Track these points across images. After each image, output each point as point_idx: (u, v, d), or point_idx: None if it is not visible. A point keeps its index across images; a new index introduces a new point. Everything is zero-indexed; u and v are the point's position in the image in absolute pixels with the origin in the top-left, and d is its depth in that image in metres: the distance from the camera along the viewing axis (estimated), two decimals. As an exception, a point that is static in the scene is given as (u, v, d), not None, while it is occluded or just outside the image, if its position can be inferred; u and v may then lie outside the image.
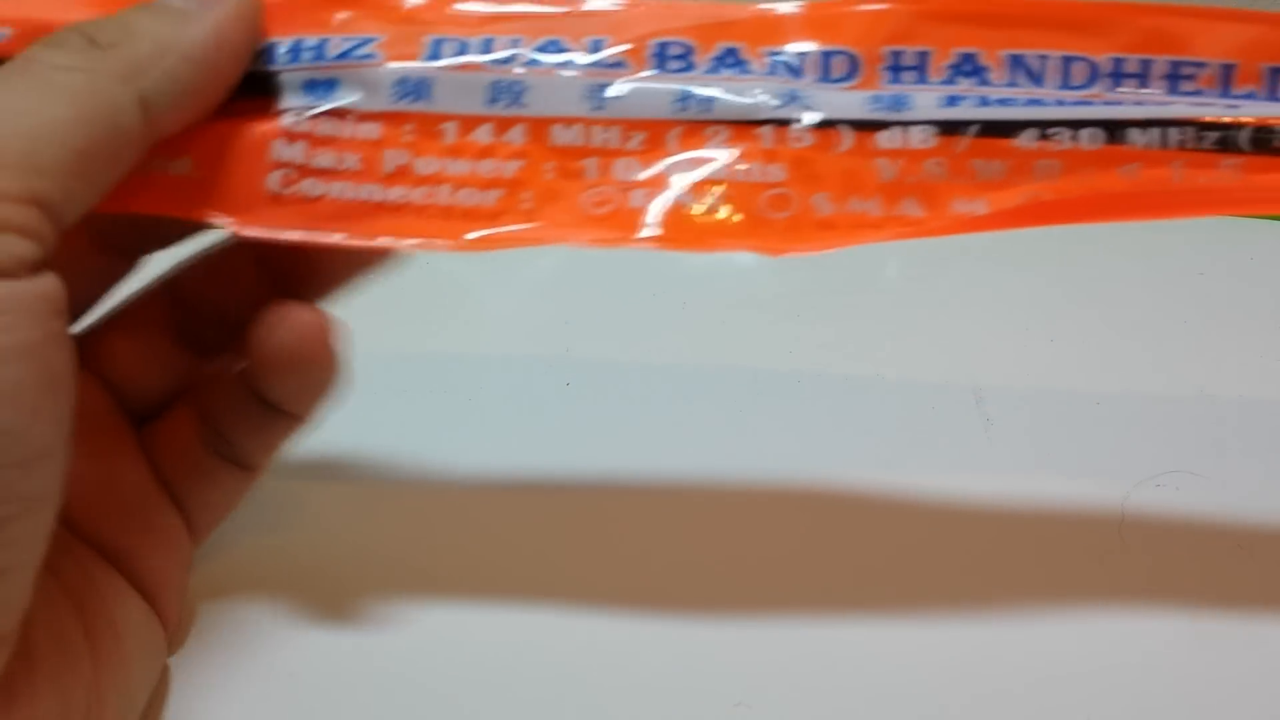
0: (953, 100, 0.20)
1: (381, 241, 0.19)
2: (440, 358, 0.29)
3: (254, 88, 0.19)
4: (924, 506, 0.24)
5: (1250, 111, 0.20)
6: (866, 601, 0.22)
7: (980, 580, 0.23)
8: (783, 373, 0.28)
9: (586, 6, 0.20)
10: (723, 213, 0.19)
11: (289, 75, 0.19)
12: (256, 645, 0.21)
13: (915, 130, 0.20)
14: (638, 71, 0.20)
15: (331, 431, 0.26)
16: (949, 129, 0.20)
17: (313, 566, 0.23)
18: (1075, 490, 0.25)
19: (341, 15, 0.20)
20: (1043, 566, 0.23)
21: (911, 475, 0.25)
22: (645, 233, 0.19)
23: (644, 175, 0.20)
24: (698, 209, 0.19)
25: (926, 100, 0.20)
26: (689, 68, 0.20)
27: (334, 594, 0.22)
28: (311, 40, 0.19)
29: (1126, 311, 0.31)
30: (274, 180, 0.19)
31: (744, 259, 0.33)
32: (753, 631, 0.22)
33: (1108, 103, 0.20)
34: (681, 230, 0.19)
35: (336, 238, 0.19)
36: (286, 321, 0.19)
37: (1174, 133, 0.20)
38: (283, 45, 0.19)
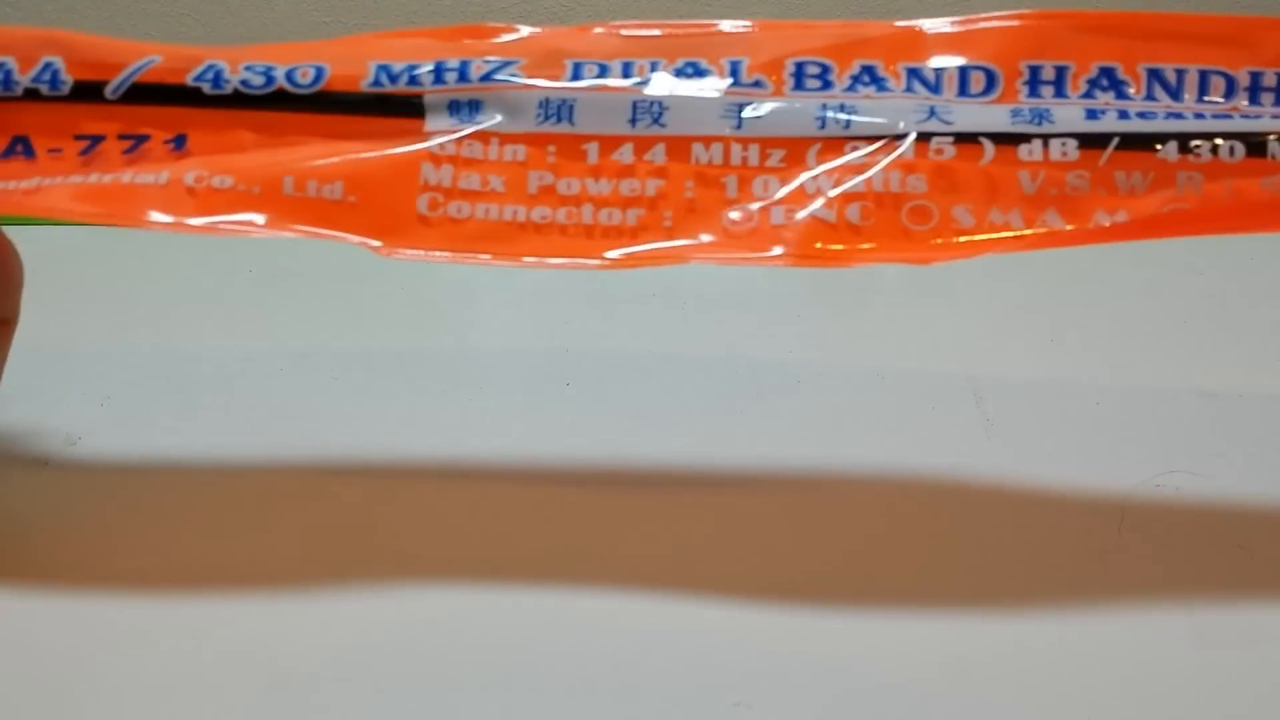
0: (1093, 114, 0.20)
1: (528, 262, 0.20)
2: (440, 358, 0.29)
3: (400, 108, 0.20)
4: (924, 506, 0.24)
5: None
6: (867, 601, 0.22)
7: (980, 580, 0.23)
8: (783, 373, 0.28)
9: (722, 29, 0.20)
10: (864, 227, 0.20)
11: (433, 97, 0.20)
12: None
13: (1056, 143, 0.20)
14: (776, 90, 0.20)
15: (331, 431, 0.26)
16: (1090, 142, 0.20)
17: (313, 568, 0.23)
18: (1075, 490, 0.25)
19: (482, 45, 0.20)
20: (1043, 566, 0.23)
21: (911, 475, 0.25)
22: (785, 249, 0.20)
23: (784, 192, 0.20)
24: (838, 224, 0.20)
25: (1067, 114, 0.20)
26: (827, 86, 0.20)
27: (340, 593, 0.22)
28: (453, 62, 0.20)
29: (1126, 311, 0.31)
30: (422, 203, 0.20)
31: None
32: (753, 631, 0.22)
33: (1245, 116, 0.20)
34: (822, 246, 0.20)
35: (483, 258, 0.20)
36: None
37: None
38: (426, 67, 0.20)
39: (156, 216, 0.19)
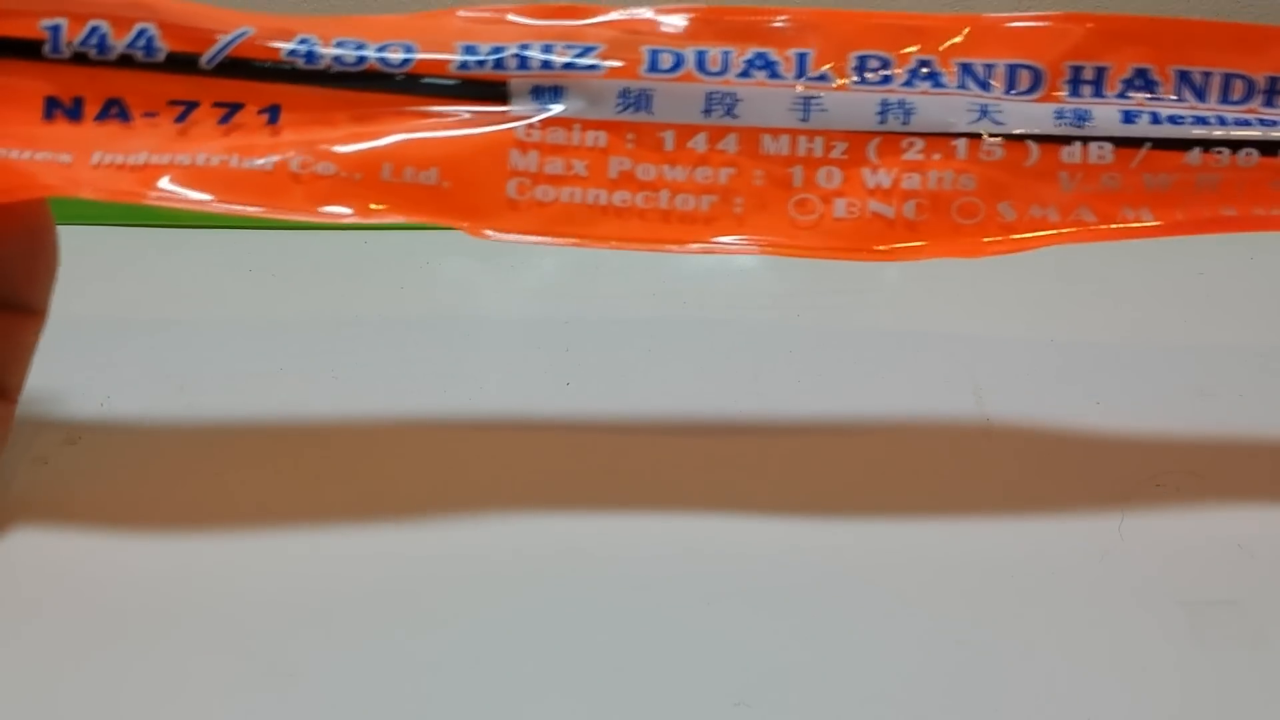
0: (1129, 117, 0.21)
1: (609, 244, 0.21)
2: (441, 357, 0.29)
3: (486, 92, 0.21)
4: (924, 506, 0.24)
5: None
6: (867, 601, 0.22)
7: (980, 580, 0.23)
8: (783, 372, 0.28)
9: (790, 19, 0.21)
10: (919, 223, 0.21)
11: (518, 83, 0.21)
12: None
13: (1094, 146, 0.21)
14: (840, 84, 0.21)
15: (331, 431, 0.26)
16: (1125, 144, 0.21)
17: (312, 568, 0.23)
18: (1075, 490, 0.25)
19: (566, 25, 0.21)
20: (1043, 566, 0.23)
21: (912, 475, 0.25)
22: (846, 243, 0.21)
23: (845, 185, 0.21)
24: (896, 220, 0.21)
25: (1106, 115, 0.21)
26: (887, 80, 0.21)
27: (339, 592, 0.22)
28: (537, 47, 0.21)
29: (1126, 311, 0.31)
30: (511, 188, 0.21)
31: (744, 260, 0.33)
32: (752, 630, 0.22)
33: (1263, 120, 0.22)
34: (881, 243, 0.21)
35: (567, 240, 0.21)
36: None
37: None
38: (510, 50, 0.21)
39: (266, 206, 0.20)
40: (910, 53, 0.21)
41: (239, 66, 0.20)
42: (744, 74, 0.21)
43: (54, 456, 0.25)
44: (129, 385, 0.27)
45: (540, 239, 0.21)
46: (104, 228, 0.34)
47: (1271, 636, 0.22)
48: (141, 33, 0.20)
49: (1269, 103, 0.22)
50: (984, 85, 0.21)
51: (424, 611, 0.22)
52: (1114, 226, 0.21)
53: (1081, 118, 0.21)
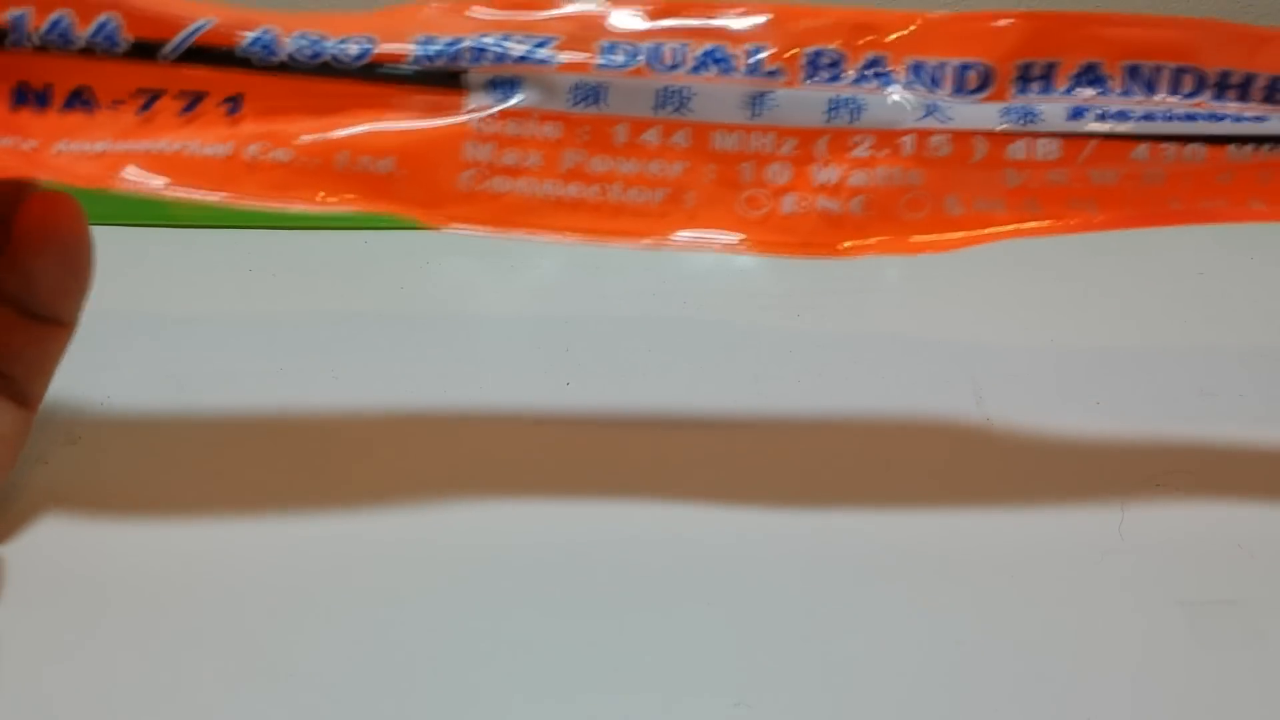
0: (1077, 113, 0.21)
1: (560, 237, 0.21)
2: (441, 357, 0.29)
3: (443, 82, 0.21)
4: (924, 506, 0.24)
5: None
6: (867, 602, 0.22)
7: (981, 580, 0.23)
8: (782, 371, 0.28)
9: (746, 20, 0.21)
10: (866, 219, 0.21)
11: (474, 74, 0.21)
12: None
13: (1041, 142, 0.21)
14: (791, 80, 0.21)
15: (331, 431, 0.26)
16: (1071, 140, 0.21)
17: (311, 567, 0.23)
18: (1075, 490, 0.25)
19: (525, 15, 0.21)
20: (1043, 566, 0.23)
21: (912, 475, 0.25)
22: (793, 238, 0.21)
23: (795, 181, 0.21)
24: (843, 216, 0.21)
25: (1053, 111, 0.21)
26: (837, 78, 0.21)
27: (336, 590, 0.22)
28: (493, 38, 0.21)
29: (1126, 311, 0.31)
30: (466, 178, 0.21)
31: (743, 260, 0.33)
32: (752, 631, 0.22)
33: (1211, 115, 0.22)
34: (829, 238, 0.21)
35: (519, 232, 0.21)
36: (39, 203, 0.21)
37: (1266, 146, 0.22)
38: (467, 42, 0.21)
39: (218, 193, 0.20)
40: (862, 49, 0.21)
41: (201, 55, 0.21)
42: (697, 69, 0.21)
43: (54, 456, 0.25)
44: (129, 385, 0.27)
45: (494, 230, 0.21)
46: (104, 227, 0.34)
47: (1271, 636, 0.22)
48: (105, 23, 0.20)
49: (1218, 96, 0.22)
50: (933, 85, 0.21)
51: (424, 611, 0.22)
52: (1062, 221, 0.21)
53: (1028, 115, 0.21)
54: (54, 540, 0.23)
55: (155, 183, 0.20)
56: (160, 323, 0.30)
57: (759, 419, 0.27)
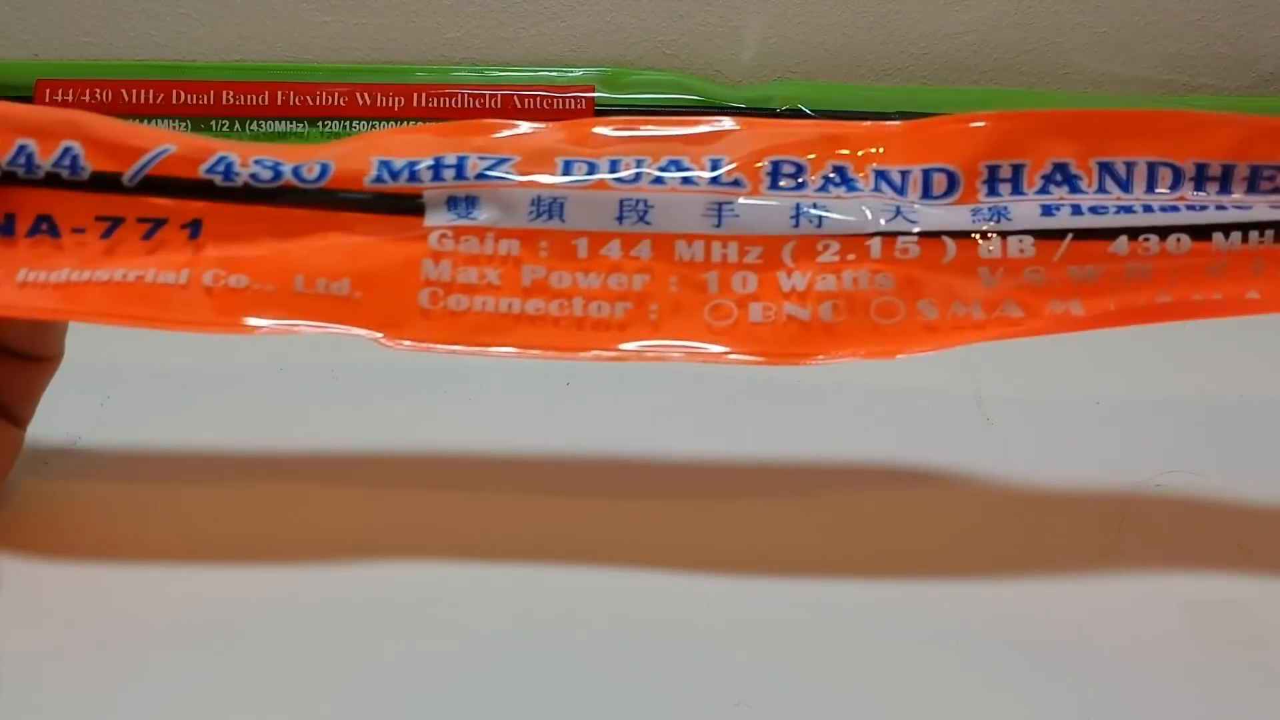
0: (1048, 210, 0.21)
1: (524, 354, 0.21)
2: (440, 358, 0.29)
3: (401, 205, 0.21)
4: (924, 506, 0.24)
5: None
6: (867, 602, 0.22)
7: (981, 580, 0.23)
8: (783, 373, 0.28)
9: (704, 129, 0.21)
10: (836, 324, 0.21)
11: (432, 194, 0.21)
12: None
13: (1014, 239, 0.21)
14: (754, 189, 0.21)
15: (331, 431, 0.26)
16: (1046, 237, 0.21)
17: (310, 566, 0.23)
18: (1075, 490, 0.25)
19: (479, 140, 0.21)
20: (1043, 566, 0.23)
21: (912, 476, 0.25)
22: (762, 348, 0.21)
23: (761, 289, 0.21)
24: (812, 323, 0.21)
25: (1024, 210, 0.21)
26: (801, 186, 0.21)
27: (335, 589, 0.22)
28: (451, 159, 0.21)
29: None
30: (424, 297, 0.21)
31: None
32: (752, 630, 0.22)
33: (1192, 206, 0.21)
34: (797, 345, 0.21)
35: (479, 350, 0.21)
36: None
37: (1254, 234, 0.21)
38: (425, 163, 0.21)
39: (176, 319, 0.21)
40: (825, 159, 0.21)
41: (160, 184, 0.21)
42: (657, 180, 0.21)
43: (54, 456, 0.25)
44: (129, 385, 0.27)
45: (454, 348, 0.21)
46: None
47: (1271, 636, 0.22)
48: (66, 151, 0.21)
49: (1199, 187, 0.21)
50: (899, 190, 0.21)
51: (423, 610, 0.22)
52: (1042, 320, 0.21)
53: (999, 214, 0.21)
54: (54, 541, 0.23)
55: (97, 312, 0.20)
56: (160, 323, 0.30)
57: (759, 419, 0.27)
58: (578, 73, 0.38)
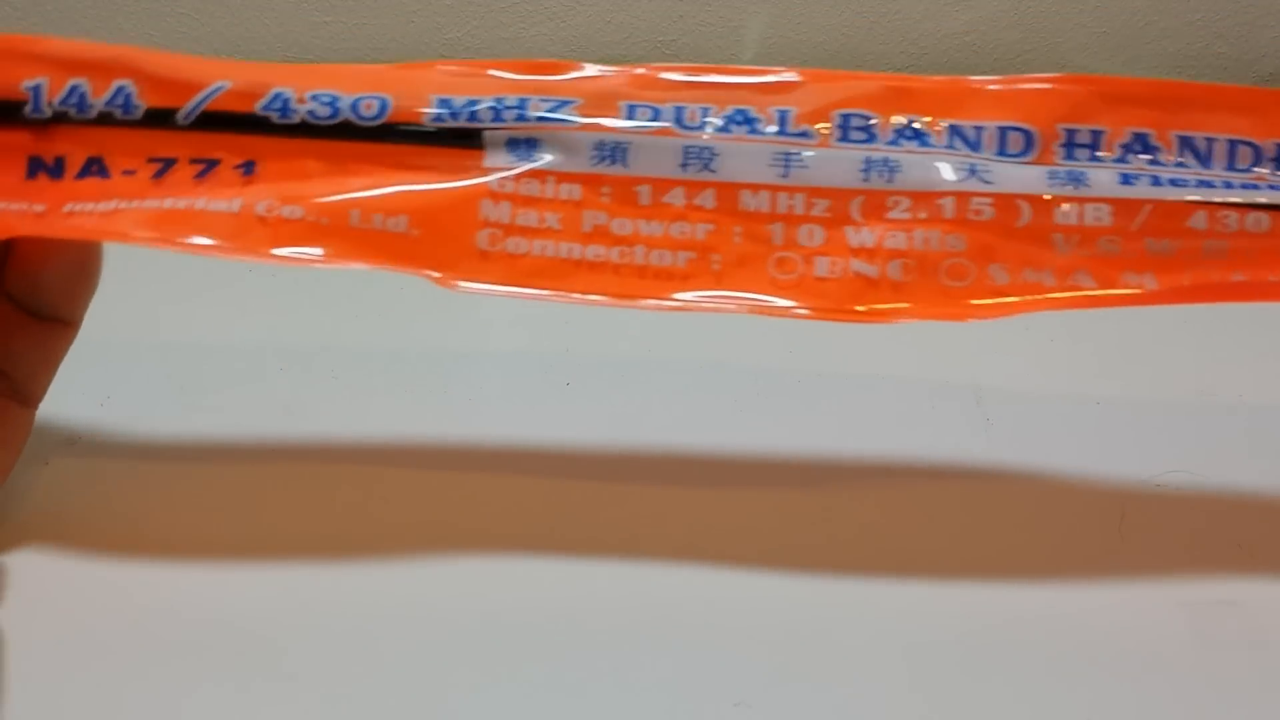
0: (1127, 179, 0.20)
1: (581, 299, 0.20)
2: (441, 357, 0.29)
3: (460, 142, 0.20)
4: (924, 506, 0.24)
5: None
6: (867, 602, 0.22)
7: (981, 580, 0.23)
8: (783, 372, 0.28)
9: (771, 79, 0.21)
10: (904, 283, 0.20)
11: (492, 133, 0.20)
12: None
13: (1090, 207, 0.20)
14: (823, 141, 0.20)
15: (331, 431, 0.26)
16: (1123, 207, 0.20)
17: (309, 564, 0.23)
18: (1075, 490, 0.25)
19: (542, 81, 0.21)
20: (1043, 566, 0.23)
21: (912, 475, 0.25)
22: (826, 303, 0.20)
23: (828, 243, 0.20)
24: (880, 280, 0.20)
25: (1102, 177, 0.20)
26: (871, 139, 0.20)
27: (333, 589, 0.22)
28: (513, 99, 0.20)
29: (1127, 311, 0.31)
30: (482, 238, 0.20)
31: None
32: (752, 630, 0.22)
33: (1273, 186, 0.20)
34: (864, 304, 0.20)
35: (539, 293, 0.20)
36: None
37: None
38: (486, 103, 0.20)
39: (226, 244, 0.20)
40: (897, 111, 0.21)
41: (214, 120, 0.21)
42: (723, 129, 0.20)
43: (54, 456, 0.25)
44: (129, 385, 0.27)
45: (512, 290, 0.20)
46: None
47: (1271, 636, 0.22)
48: (120, 90, 0.20)
49: (1278, 169, 0.21)
50: (973, 146, 0.21)
51: (423, 608, 0.22)
52: (1114, 292, 0.20)
53: (1076, 179, 0.20)
54: (54, 541, 0.23)
55: (149, 235, 0.20)
56: (160, 322, 0.30)
57: (758, 418, 0.27)
58: (578, 73, 0.38)
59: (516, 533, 0.24)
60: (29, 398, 0.23)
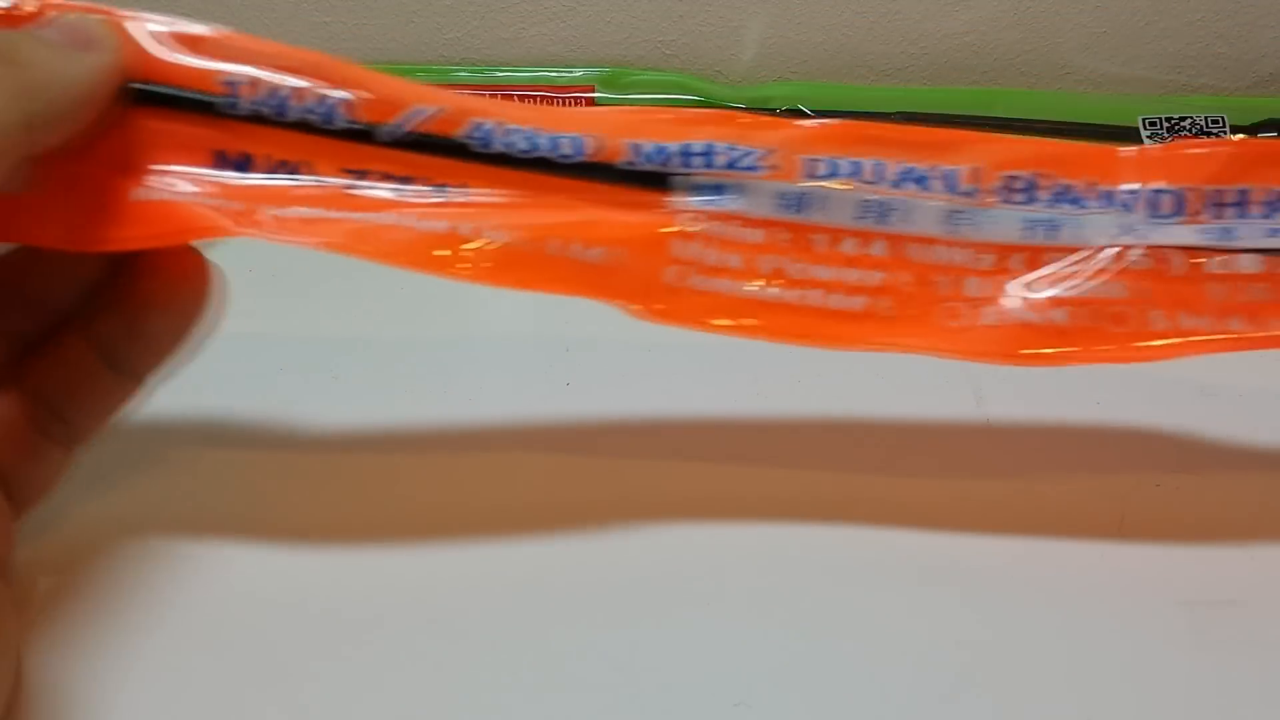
0: (1275, 232, 0.22)
1: (766, 337, 0.21)
2: (441, 357, 0.29)
3: (651, 181, 0.21)
4: (924, 506, 0.24)
5: None
6: (867, 602, 0.22)
7: (981, 580, 0.23)
8: (783, 372, 0.28)
9: (939, 136, 0.22)
10: (1068, 328, 0.22)
11: (682, 178, 0.21)
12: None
13: (1243, 258, 0.22)
14: (986, 200, 0.22)
15: (332, 431, 0.26)
16: (1273, 255, 0.22)
17: (308, 565, 0.23)
18: (1075, 490, 0.25)
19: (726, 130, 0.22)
20: (1043, 566, 0.23)
21: (912, 475, 0.25)
22: (998, 349, 0.22)
23: (993, 294, 0.22)
24: (1044, 327, 0.22)
25: (1251, 230, 0.22)
26: (1032, 200, 0.22)
27: (332, 588, 0.22)
28: (699, 146, 0.21)
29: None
30: (670, 274, 0.21)
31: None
32: (752, 630, 0.22)
33: None
34: (1030, 349, 0.22)
35: (720, 325, 0.21)
36: (173, 261, 0.21)
37: None
38: (674, 148, 0.21)
39: (421, 261, 0.21)
40: (1055, 176, 0.22)
41: (413, 142, 0.21)
42: (895, 185, 0.22)
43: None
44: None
45: (697, 325, 0.21)
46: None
47: (1271, 636, 0.22)
48: (324, 99, 0.20)
49: None
50: (1126, 208, 0.22)
51: (423, 608, 0.22)
52: (1266, 334, 0.22)
53: (1227, 233, 0.22)
54: (54, 541, 0.23)
55: (344, 245, 0.20)
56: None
57: (758, 420, 0.27)
58: (578, 73, 0.38)
59: (516, 533, 0.24)
60: (74, 444, 0.22)
